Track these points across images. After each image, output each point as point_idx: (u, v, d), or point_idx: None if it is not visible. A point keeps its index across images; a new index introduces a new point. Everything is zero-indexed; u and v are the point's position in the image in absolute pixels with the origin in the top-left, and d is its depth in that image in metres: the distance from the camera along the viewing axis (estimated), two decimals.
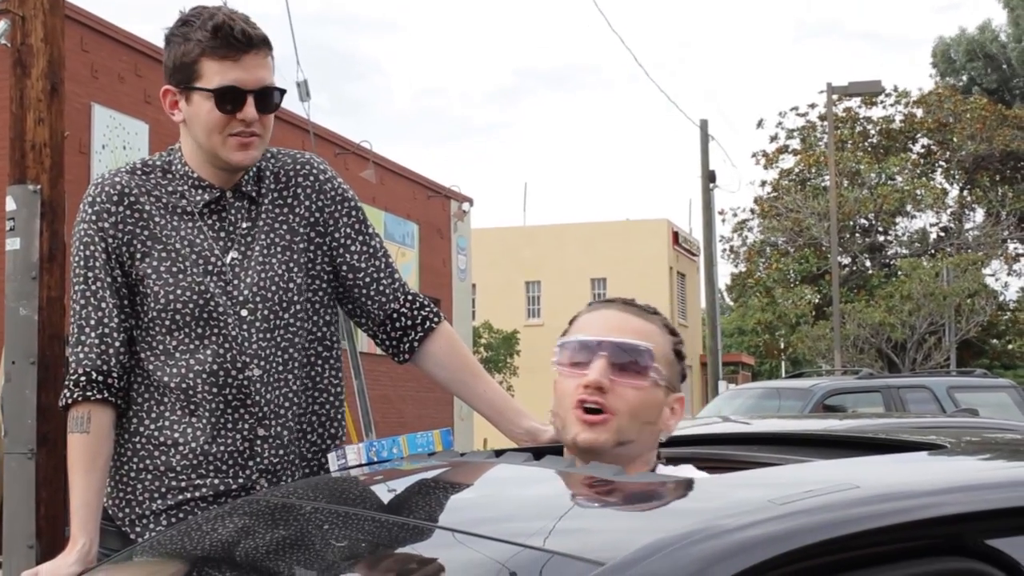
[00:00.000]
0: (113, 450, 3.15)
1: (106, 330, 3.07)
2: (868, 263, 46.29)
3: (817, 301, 43.88)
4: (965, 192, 46.50)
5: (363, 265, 3.27)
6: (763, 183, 47.29)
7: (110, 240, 3.07)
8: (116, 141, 17.45)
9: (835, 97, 35.39)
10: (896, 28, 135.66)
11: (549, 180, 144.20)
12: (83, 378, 3.06)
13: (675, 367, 2.62)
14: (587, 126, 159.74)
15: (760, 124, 49.60)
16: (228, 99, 3.02)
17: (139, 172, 3.15)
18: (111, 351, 3.07)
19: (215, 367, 3.05)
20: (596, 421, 2.49)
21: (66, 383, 3.09)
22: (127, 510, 3.14)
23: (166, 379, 3.07)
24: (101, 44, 17.50)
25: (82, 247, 3.10)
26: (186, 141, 3.16)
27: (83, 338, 3.08)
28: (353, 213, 3.28)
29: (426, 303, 3.36)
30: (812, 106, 46.42)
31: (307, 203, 3.22)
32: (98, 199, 3.09)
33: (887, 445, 2.60)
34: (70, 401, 3.07)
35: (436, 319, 3.34)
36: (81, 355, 3.08)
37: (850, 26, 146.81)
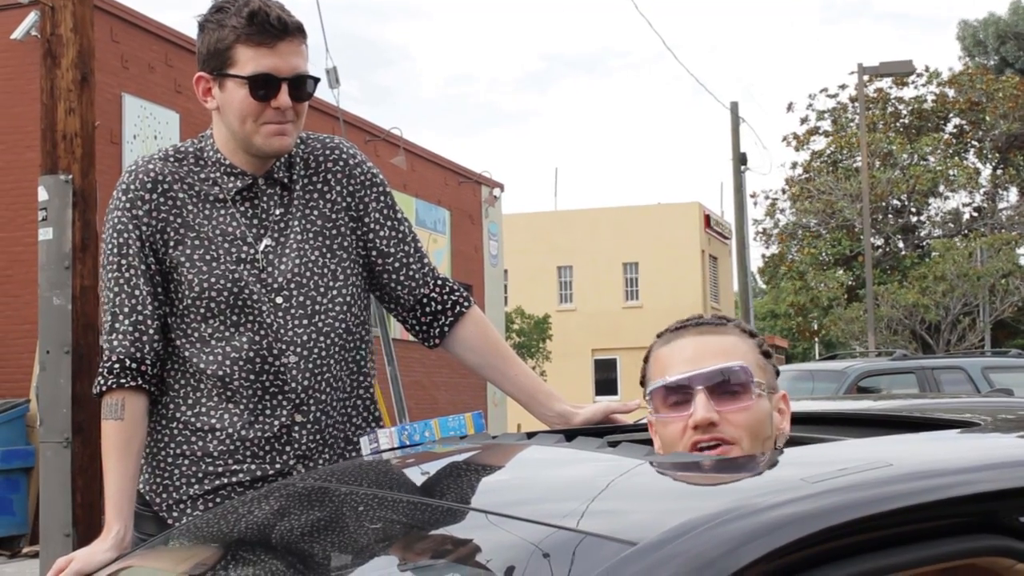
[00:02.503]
0: (149, 436, 3.16)
1: (140, 317, 3.07)
2: (901, 244, 46.09)
3: (850, 283, 43.73)
4: (998, 171, 46.23)
5: (392, 250, 3.27)
6: (794, 165, 47.13)
7: (144, 228, 3.07)
8: (147, 131, 17.50)
9: (866, 78, 35.23)
10: (924, 9, 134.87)
11: (580, 165, 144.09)
12: (116, 365, 3.06)
13: (768, 369, 2.51)
14: (617, 110, 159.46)
15: (791, 107, 49.35)
16: (262, 86, 3.02)
17: (172, 159, 3.15)
18: (145, 338, 3.07)
19: (251, 354, 3.06)
20: (716, 454, 2.36)
21: (100, 371, 3.10)
22: (164, 495, 3.15)
23: (202, 366, 3.08)
24: (131, 34, 17.54)
25: (115, 234, 3.09)
26: (218, 128, 3.16)
27: (117, 325, 3.08)
28: (383, 198, 3.28)
29: (456, 288, 3.36)
30: (843, 87, 46.27)
31: (338, 188, 3.22)
32: (132, 186, 3.09)
33: (920, 423, 2.59)
34: (104, 388, 3.08)
35: (466, 304, 3.34)
36: (115, 342, 3.08)
37: (878, 7, 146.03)
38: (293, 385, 3.10)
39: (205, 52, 3.09)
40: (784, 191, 46.43)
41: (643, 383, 2.52)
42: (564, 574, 1.66)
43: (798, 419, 2.89)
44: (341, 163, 3.25)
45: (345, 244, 3.21)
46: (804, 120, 47.09)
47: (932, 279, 38.80)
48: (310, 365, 3.11)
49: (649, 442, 2.47)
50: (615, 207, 54.14)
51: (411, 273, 3.29)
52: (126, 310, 3.08)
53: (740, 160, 32.89)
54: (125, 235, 3.08)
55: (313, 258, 3.14)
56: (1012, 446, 2.32)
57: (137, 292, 3.07)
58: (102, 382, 3.08)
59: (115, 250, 3.09)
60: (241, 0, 3.03)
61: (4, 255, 16.01)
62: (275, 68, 3.01)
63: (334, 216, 3.20)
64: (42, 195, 7.37)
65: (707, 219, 54.01)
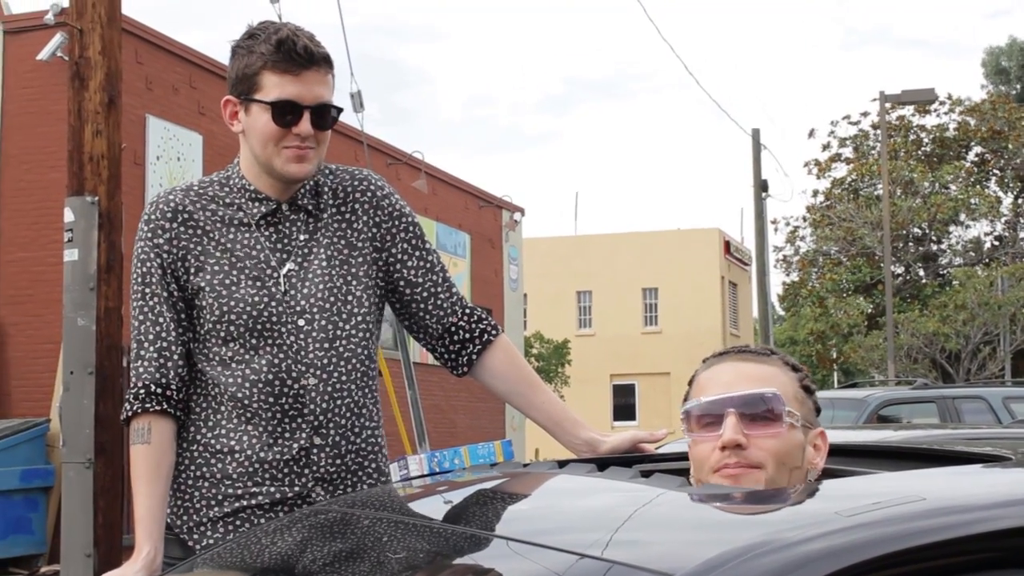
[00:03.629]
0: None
1: (164, 344, 3.12)
2: (922, 272, 45.98)
3: (870, 311, 43.60)
4: (1020, 200, 46.11)
5: (420, 280, 3.32)
6: (815, 192, 47.04)
7: (165, 256, 3.14)
8: (170, 152, 17.56)
9: (888, 105, 35.21)
10: (945, 35, 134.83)
11: (600, 189, 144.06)
12: (143, 391, 3.10)
13: (807, 403, 2.51)
14: (638, 134, 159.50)
15: (812, 134, 49.26)
16: (285, 112, 3.08)
17: (194, 189, 3.23)
18: (169, 364, 3.11)
19: (270, 376, 3.09)
20: (738, 473, 2.38)
21: (127, 397, 3.14)
22: (184, 517, 3.17)
23: (222, 388, 3.11)
24: (156, 56, 17.62)
25: (139, 264, 3.16)
26: (244, 153, 3.22)
27: (142, 352, 3.13)
28: (410, 229, 3.33)
29: (483, 316, 3.40)
30: (865, 114, 46.20)
31: (365, 219, 3.27)
32: (153, 216, 3.17)
33: (948, 457, 2.58)
34: (131, 414, 3.12)
35: (494, 332, 3.38)
36: (140, 369, 3.13)
37: (899, 33, 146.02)
38: (312, 407, 3.12)
39: (234, 76, 3.16)
40: (805, 218, 46.36)
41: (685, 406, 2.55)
42: None
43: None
44: (368, 194, 3.30)
45: (371, 273, 3.26)
46: (826, 147, 47.04)
47: (952, 308, 38.68)
48: (329, 388, 3.14)
49: (681, 472, 2.48)
50: (635, 232, 54.13)
51: (439, 303, 3.34)
52: (151, 337, 3.13)
53: (761, 186, 32.87)
54: (148, 264, 3.15)
55: (338, 284, 3.18)
56: None
57: (161, 320, 3.13)
58: (128, 408, 3.12)
59: (139, 279, 3.16)
60: (271, 28, 3.10)
61: (27, 275, 16.05)
62: (299, 96, 3.08)
63: (360, 245, 3.25)
64: (68, 216, 7.40)
65: (727, 245, 53.96)
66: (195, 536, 3.15)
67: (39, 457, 13.97)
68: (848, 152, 46.72)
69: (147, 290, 3.14)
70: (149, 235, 3.15)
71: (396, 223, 3.30)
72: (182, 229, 3.15)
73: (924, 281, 45.03)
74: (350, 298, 3.20)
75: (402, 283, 3.30)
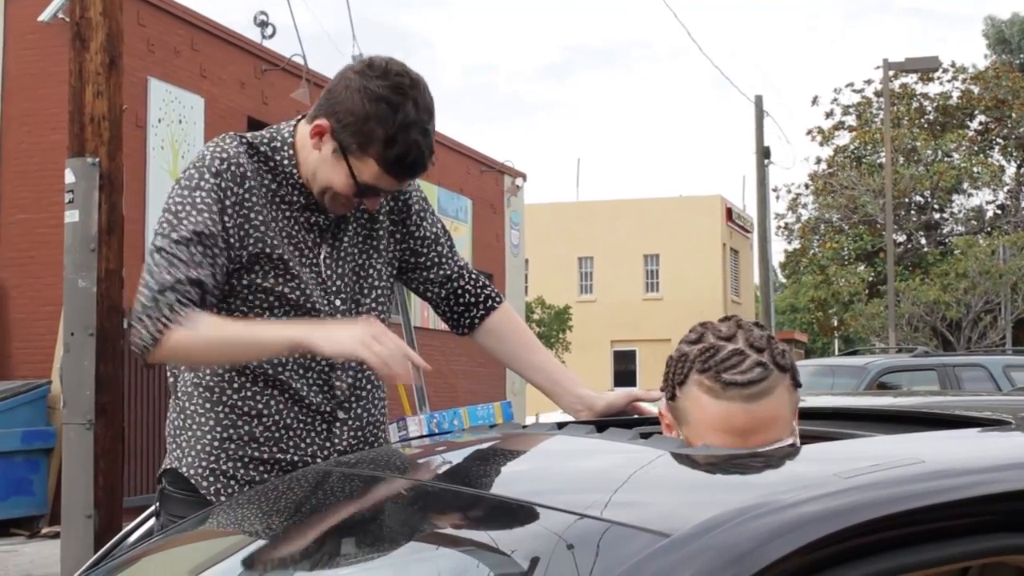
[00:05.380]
0: (193, 420, 3.17)
1: (203, 284, 2.95)
2: (923, 241, 45.98)
3: (871, 279, 43.62)
4: (1022, 169, 46.06)
5: (427, 250, 3.36)
6: (818, 160, 47.06)
7: (227, 204, 3.01)
8: (172, 115, 17.52)
9: (891, 73, 35.12)
10: (947, 5, 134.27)
11: (602, 156, 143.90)
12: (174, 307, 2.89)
13: (796, 399, 2.38)
14: (640, 102, 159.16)
15: (815, 101, 49.36)
16: (366, 193, 3.06)
17: (254, 156, 3.11)
18: (206, 304, 2.97)
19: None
20: None
21: (149, 320, 2.90)
22: (211, 479, 3.15)
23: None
24: (158, 18, 17.56)
25: (204, 206, 2.98)
26: (304, 156, 3.10)
27: (178, 286, 2.91)
28: (421, 200, 3.37)
29: (488, 285, 3.46)
30: (868, 82, 46.15)
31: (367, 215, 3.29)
32: (224, 175, 3.02)
33: (947, 421, 2.58)
34: (162, 327, 2.88)
35: (499, 299, 3.45)
36: (172, 297, 2.89)
37: (901, 3, 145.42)
38: (339, 384, 3.16)
39: (342, 120, 3.00)
40: (807, 186, 46.33)
41: (669, 386, 2.44)
42: (593, 563, 1.66)
43: (822, 415, 2.89)
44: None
45: (388, 245, 3.29)
46: (829, 115, 46.96)
47: (954, 276, 38.71)
48: (354, 364, 3.15)
49: None
50: (637, 199, 54.12)
51: (446, 269, 3.39)
52: (192, 272, 2.93)
53: (764, 154, 32.82)
54: (213, 195, 2.99)
55: (360, 261, 3.21)
56: None
57: (216, 263, 2.97)
58: (155, 326, 2.88)
59: (194, 201, 2.98)
60: (400, 116, 2.96)
61: (28, 237, 16.05)
62: (387, 188, 3.06)
63: (380, 218, 3.26)
64: (69, 178, 7.39)
65: (729, 212, 53.95)
66: (222, 498, 3.13)
67: (40, 419, 14.00)
68: (851, 120, 46.66)
69: (208, 242, 2.96)
70: (218, 195, 2.99)
71: (409, 196, 3.33)
72: (246, 197, 3.04)
73: (926, 249, 45.05)
74: (371, 272, 3.23)
75: (411, 252, 3.34)
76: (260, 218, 3.05)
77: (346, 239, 3.19)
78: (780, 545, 1.64)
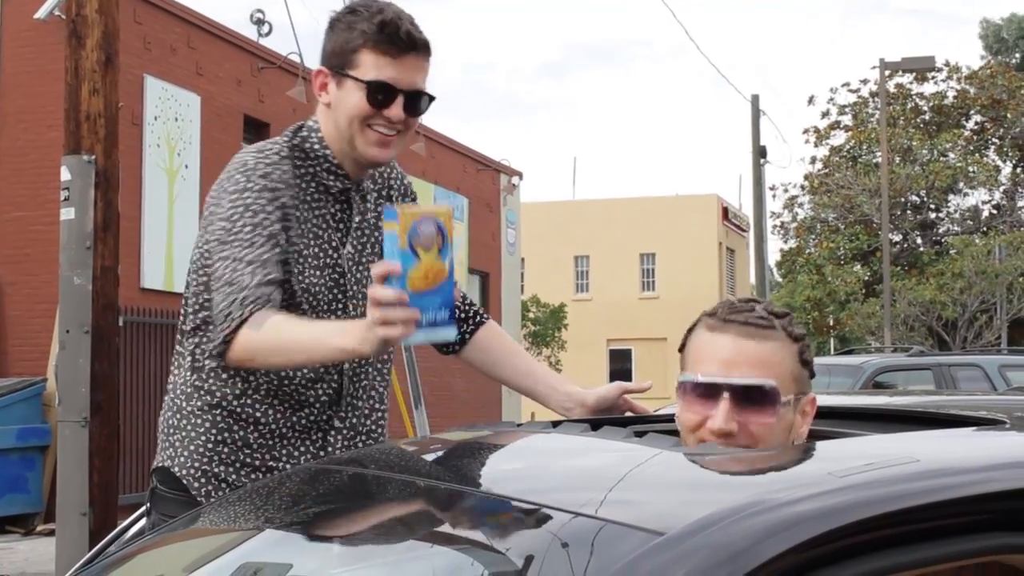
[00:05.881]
0: (187, 421, 3.18)
1: (276, 282, 2.97)
2: (919, 240, 45.99)
3: (867, 278, 43.63)
4: (1018, 169, 46.08)
5: None
6: (814, 159, 47.02)
7: (287, 203, 3.06)
8: (168, 113, 17.52)
9: (887, 73, 35.14)
10: (945, 5, 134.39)
11: (599, 154, 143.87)
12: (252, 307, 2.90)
13: (801, 374, 2.47)
14: (637, 100, 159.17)
15: (811, 100, 49.34)
16: (379, 93, 3.06)
17: (288, 160, 3.13)
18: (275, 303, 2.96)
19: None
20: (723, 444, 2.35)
21: (232, 320, 2.90)
22: (202, 479, 3.17)
23: None
24: (154, 16, 17.56)
25: (259, 207, 3.01)
26: (326, 125, 3.18)
27: (248, 290, 2.92)
28: None
29: (475, 304, 3.49)
30: (864, 82, 46.12)
31: (384, 187, 3.35)
32: (272, 175, 3.07)
33: (942, 420, 2.59)
34: (238, 323, 2.89)
35: (486, 315, 3.48)
36: (249, 295, 2.91)
37: (898, 3, 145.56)
38: (342, 392, 3.19)
39: (330, 49, 3.13)
40: (803, 186, 46.34)
41: (682, 351, 2.53)
42: (588, 561, 1.66)
43: (818, 413, 2.89)
44: (396, 181, 3.39)
45: None
46: (825, 114, 46.97)
47: (950, 276, 38.72)
48: (354, 373, 3.20)
49: (676, 433, 2.48)
50: (633, 197, 54.15)
51: None
52: (267, 270, 2.95)
53: (760, 153, 32.83)
54: (275, 194, 3.04)
55: (376, 261, 3.19)
56: None
57: (275, 255, 2.98)
58: (230, 324, 2.89)
59: (256, 201, 3.01)
60: (375, 7, 3.08)
61: (23, 234, 16.05)
62: (395, 79, 3.06)
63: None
64: (65, 175, 7.38)
65: (725, 211, 53.97)
66: (212, 500, 3.15)
67: (36, 416, 14.00)
68: (847, 119, 46.65)
69: (275, 230, 2.99)
70: (271, 196, 3.03)
71: (398, 179, 3.42)
72: (288, 201, 3.07)
73: (921, 249, 45.06)
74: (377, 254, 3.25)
75: None
76: (297, 216, 3.09)
77: (367, 242, 3.22)
78: (774, 544, 1.64)
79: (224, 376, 3.14)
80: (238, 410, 3.14)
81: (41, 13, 15.51)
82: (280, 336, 2.86)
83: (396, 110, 3.08)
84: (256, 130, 19.42)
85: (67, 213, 7.36)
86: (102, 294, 7.35)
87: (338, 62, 3.10)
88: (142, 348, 15.76)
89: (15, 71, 16.43)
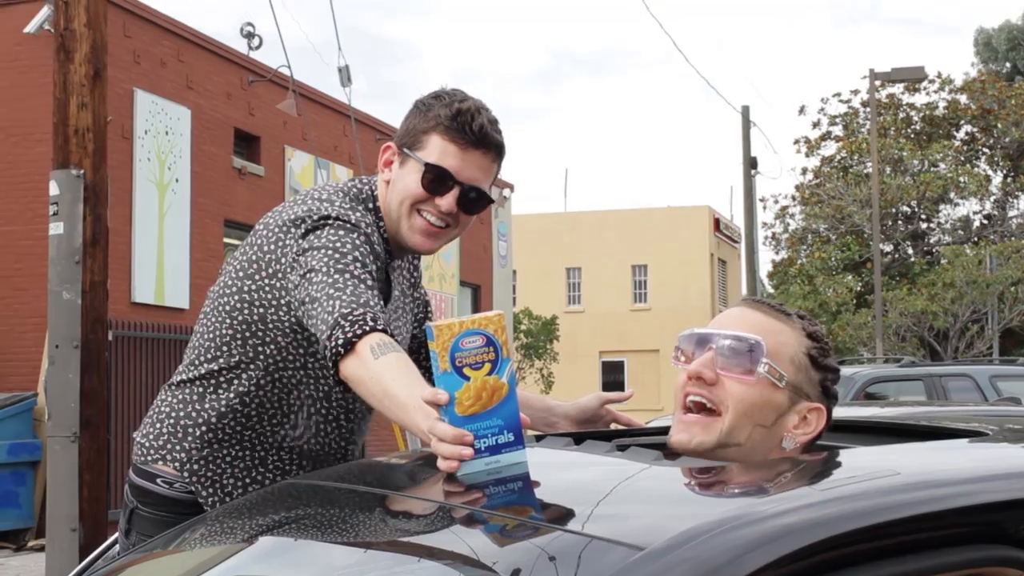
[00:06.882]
0: (210, 431, 3.15)
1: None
2: (910, 251, 46.04)
3: (859, 289, 43.65)
4: (1009, 179, 46.12)
5: (420, 312, 3.47)
6: (804, 170, 47.06)
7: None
8: (158, 126, 17.52)
9: (878, 83, 35.20)
10: (935, 14, 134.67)
11: (590, 166, 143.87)
12: (367, 316, 2.71)
13: (807, 372, 2.47)
14: (627, 111, 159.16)
15: (802, 110, 49.22)
16: (435, 178, 3.01)
17: (371, 212, 3.13)
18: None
19: (345, 402, 3.18)
20: (693, 421, 2.39)
21: (350, 326, 2.68)
22: (211, 489, 3.17)
23: (300, 391, 3.12)
24: (143, 29, 17.56)
25: (364, 238, 2.95)
26: (383, 201, 3.13)
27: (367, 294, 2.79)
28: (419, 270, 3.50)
29: None
30: (855, 92, 46.17)
31: (410, 267, 3.36)
32: (365, 220, 3.03)
33: (928, 432, 2.59)
34: (357, 335, 2.66)
35: None
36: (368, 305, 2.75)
37: (888, 11, 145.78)
38: (352, 426, 3.26)
39: (404, 128, 3.09)
40: (794, 196, 46.38)
41: None
42: None
43: None
44: (416, 270, 3.45)
45: (416, 311, 3.40)
46: (816, 124, 47.03)
47: (941, 286, 38.75)
48: (360, 407, 3.24)
49: (658, 446, 2.48)
50: (624, 209, 54.15)
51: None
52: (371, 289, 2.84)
53: (750, 164, 32.87)
54: (370, 239, 2.99)
55: (398, 325, 3.21)
56: (1019, 456, 2.32)
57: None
58: (352, 329, 2.67)
59: (364, 251, 2.92)
60: (459, 95, 3.05)
61: (13, 249, 16.04)
62: (456, 169, 3.01)
63: (411, 292, 3.36)
64: (53, 190, 7.38)
65: (716, 223, 54.00)
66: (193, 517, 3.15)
67: (27, 431, 13.97)
68: (838, 130, 46.70)
69: (366, 259, 2.88)
70: (368, 231, 2.99)
71: (419, 268, 3.47)
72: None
73: (913, 259, 45.09)
74: (404, 334, 3.25)
75: (416, 320, 3.44)
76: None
77: (400, 304, 3.24)
78: (756, 557, 1.64)
79: (267, 404, 3.12)
80: (267, 434, 3.17)
81: (30, 27, 15.50)
82: (383, 376, 2.60)
83: (448, 200, 3.01)
84: (246, 143, 19.44)
85: (56, 228, 7.35)
86: (91, 309, 7.35)
87: (407, 141, 3.05)
88: (133, 362, 15.74)
89: (4, 85, 16.43)
